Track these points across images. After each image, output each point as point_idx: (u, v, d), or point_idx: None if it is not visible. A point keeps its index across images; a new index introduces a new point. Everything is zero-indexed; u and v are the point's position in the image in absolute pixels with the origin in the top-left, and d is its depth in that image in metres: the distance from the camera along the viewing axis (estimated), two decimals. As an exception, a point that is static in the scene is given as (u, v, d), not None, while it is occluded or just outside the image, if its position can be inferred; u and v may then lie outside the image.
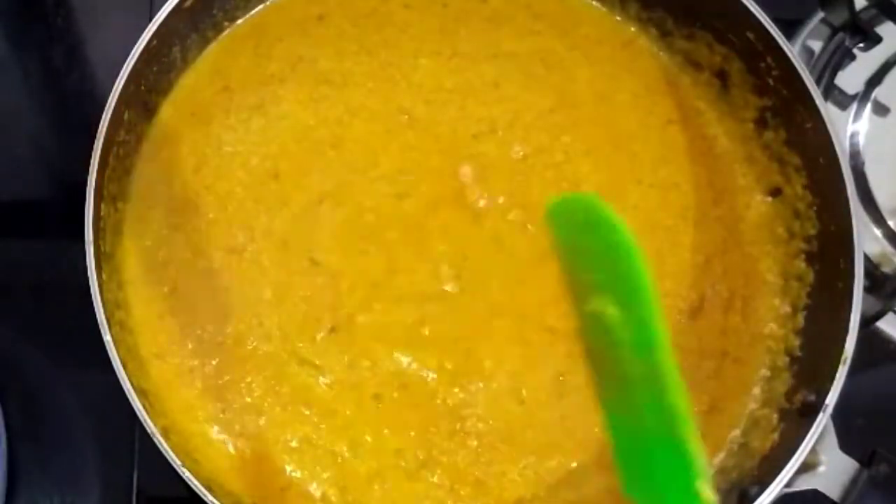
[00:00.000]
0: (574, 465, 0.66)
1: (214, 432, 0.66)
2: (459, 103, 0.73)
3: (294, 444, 0.66)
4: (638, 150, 0.73)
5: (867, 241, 0.73)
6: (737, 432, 0.68)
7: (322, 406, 0.66)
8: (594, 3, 0.76)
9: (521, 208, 0.70)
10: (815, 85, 0.67)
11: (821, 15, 0.82)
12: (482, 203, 0.70)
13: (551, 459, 0.66)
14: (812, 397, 0.64)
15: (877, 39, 0.80)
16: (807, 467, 0.62)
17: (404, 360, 0.67)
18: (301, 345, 0.67)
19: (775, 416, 0.67)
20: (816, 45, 0.82)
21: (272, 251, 0.69)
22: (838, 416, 0.62)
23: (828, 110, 0.67)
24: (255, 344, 0.67)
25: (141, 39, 0.66)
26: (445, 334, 0.68)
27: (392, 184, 0.71)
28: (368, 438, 0.66)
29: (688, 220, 0.72)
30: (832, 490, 0.63)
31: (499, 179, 0.71)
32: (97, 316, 0.60)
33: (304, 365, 0.67)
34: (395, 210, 0.70)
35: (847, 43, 0.80)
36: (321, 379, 0.67)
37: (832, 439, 0.63)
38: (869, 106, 0.81)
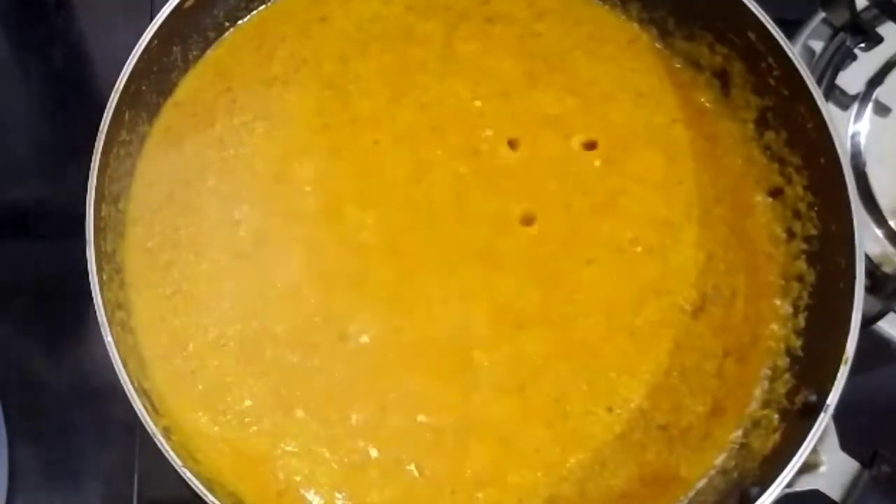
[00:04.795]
0: (574, 461, 0.66)
1: (215, 433, 0.65)
2: (466, 109, 0.73)
3: (294, 448, 0.65)
4: (642, 149, 0.73)
5: (868, 241, 0.73)
6: (738, 433, 0.68)
7: (324, 412, 0.66)
8: (596, 2, 0.77)
9: (527, 208, 0.71)
10: (815, 85, 0.67)
11: (822, 15, 0.82)
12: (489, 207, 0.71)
13: (552, 456, 0.66)
14: (813, 397, 0.64)
15: (878, 39, 0.80)
16: (808, 468, 0.62)
17: (408, 369, 0.67)
18: (307, 351, 0.67)
19: (776, 416, 0.67)
20: (817, 46, 0.83)
21: (279, 257, 0.69)
22: (839, 417, 0.62)
23: (829, 110, 0.67)
24: (258, 347, 0.67)
25: (142, 40, 0.66)
26: (449, 339, 0.68)
27: (400, 190, 0.71)
28: (369, 446, 0.65)
29: (691, 217, 0.72)
30: (833, 490, 0.63)
31: (505, 180, 0.71)
32: (98, 316, 0.60)
33: (308, 370, 0.67)
34: (403, 216, 0.70)
35: (848, 43, 0.81)
36: (325, 385, 0.66)
37: (833, 440, 0.63)
38: (870, 106, 0.81)
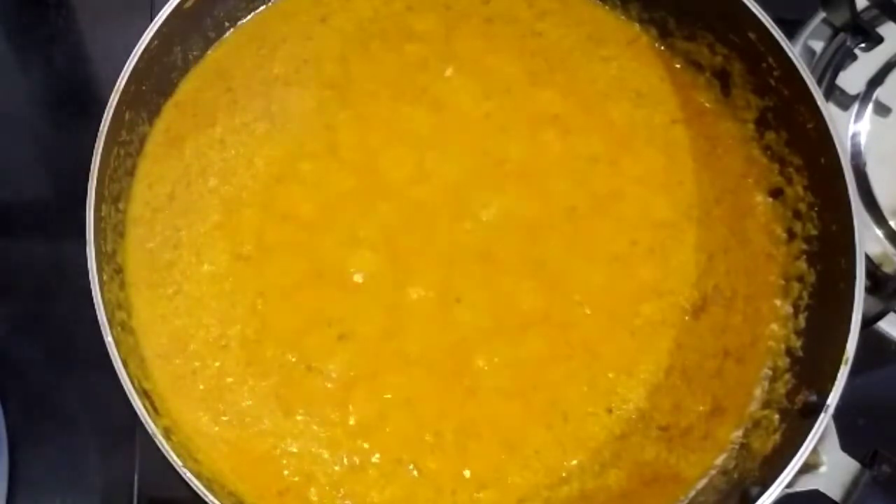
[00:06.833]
0: (574, 462, 0.66)
1: (215, 433, 0.65)
2: (467, 108, 0.73)
3: (294, 449, 0.65)
4: (642, 149, 0.73)
5: (868, 241, 0.73)
6: (738, 433, 0.68)
7: (324, 412, 0.66)
8: (596, 2, 0.77)
9: (528, 208, 0.71)
10: (816, 85, 0.67)
11: (822, 15, 0.82)
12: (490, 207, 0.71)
13: (552, 457, 0.66)
14: (813, 398, 0.64)
15: (878, 40, 0.80)
16: (808, 468, 0.62)
17: (408, 370, 0.67)
18: (307, 352, 0.67)
19: (777, 416, 0.67)
20: (818, 46, 0.83)
21: (280, 257, 0.69)
22: (840, 417, 0.62)
23: (829, 111, 0.67)
24: (259, 348, 0.67)
25: (142, 40, 0.66)
26: (448, 340, 0.68)
27: (401, 190, 0.71)
28: (368, 447, 0.66)
29: (692, 218, 0.72)
30: (833, 490, 0.63)
31: (507, 180, 0.71)
32: (98, 316, 0.60)
33: (309, 371, 0.67)
34: (404, 216, 0.70)
35: (848, 43, 0.81)
36: (325, 386, 0.66)
37: (833, 440, 0.63)
38: (870, 106, 0.81)
